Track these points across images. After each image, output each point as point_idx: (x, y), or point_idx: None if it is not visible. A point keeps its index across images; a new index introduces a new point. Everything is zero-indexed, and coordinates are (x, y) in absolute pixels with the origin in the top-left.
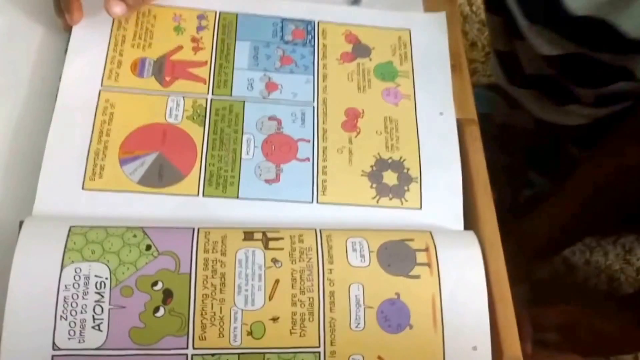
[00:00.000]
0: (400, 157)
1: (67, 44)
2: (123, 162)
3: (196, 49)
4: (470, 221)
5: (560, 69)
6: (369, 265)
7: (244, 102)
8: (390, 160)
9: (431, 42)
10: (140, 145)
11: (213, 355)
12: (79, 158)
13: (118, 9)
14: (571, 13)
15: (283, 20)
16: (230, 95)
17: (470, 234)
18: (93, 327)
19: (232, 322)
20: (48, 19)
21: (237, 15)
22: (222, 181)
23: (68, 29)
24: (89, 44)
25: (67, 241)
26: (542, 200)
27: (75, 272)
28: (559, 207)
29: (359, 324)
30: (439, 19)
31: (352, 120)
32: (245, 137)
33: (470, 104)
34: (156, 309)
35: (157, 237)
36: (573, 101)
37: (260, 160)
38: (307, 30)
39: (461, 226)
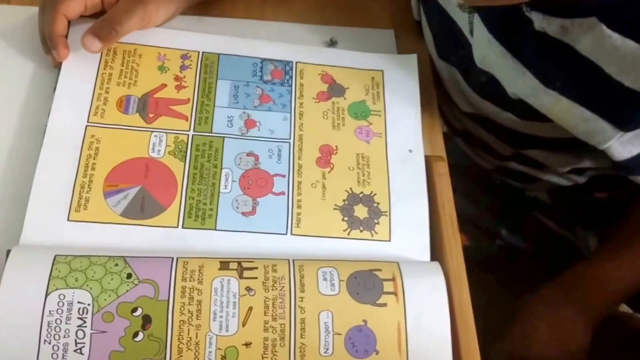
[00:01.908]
0: (371, 192)
1: (56, 81)
2: (107, 194)
3: (179, 87)
4: (437, 253)
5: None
6: (338, 293)
7: (223, 138)
8: (361, 195)
9: (403, 82)
10: (124, 178)
11: None
12: (65, 190)
13: (95, 46)
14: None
15: (263, 60)
16: (211, 131)
17: (435, 265)
18: (75, 351)
19: (207, 347)
20: (38, 56)
21: (219, 56)
22: (200, 213)
23: (57, 66)
24: (77, 81)
25: (52, 269)
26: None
27: (59, 298)
28: None
29: (327, 349)
30: (411, 60)
31: (326, 156)
32: (224, 172)
33: (439, 141)
34: (135, 334)
35: (138, 266)
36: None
37: (238, 194)
38: (286, 70)
39: (427, 257)
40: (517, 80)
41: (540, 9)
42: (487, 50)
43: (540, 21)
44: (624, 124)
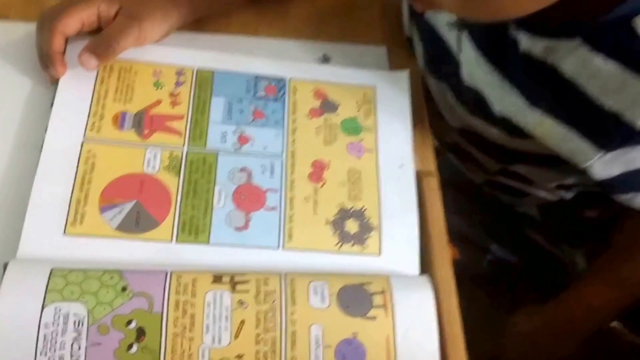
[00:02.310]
0: (362, 207)
1: (53, 97)
2: (103, 209)
3: (174, 104)
4: (427, 266)
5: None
6: (328, 307)
7: (217, 154)
8: (352, 210)
9: (394, 98)
10: (119, 194)
11: None
12: (61, 205)
13: (92, 63)
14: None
15: (256, 77)
16: (205, 147)
17: (424, 279)
18: None
19: (200, 359)
20: (35, 72)
21: (213, 72)
22: (194, 228)
23: (54, 82)
24: (74, 97)
25: (48, 282)
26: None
27: (55, 311)
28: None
29: None
30: (402, 76)
31: (318, 171)
32: (217, 187)
33: (429, 156)
34: (130, 346)
35: (133, 279)
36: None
37: (231, 209)
38: (279, 87)
39: (417, 271)
40: (503, 99)
41: (526, 28)
42: (474, 68)
43: (525, 41)
44: (603, 144)
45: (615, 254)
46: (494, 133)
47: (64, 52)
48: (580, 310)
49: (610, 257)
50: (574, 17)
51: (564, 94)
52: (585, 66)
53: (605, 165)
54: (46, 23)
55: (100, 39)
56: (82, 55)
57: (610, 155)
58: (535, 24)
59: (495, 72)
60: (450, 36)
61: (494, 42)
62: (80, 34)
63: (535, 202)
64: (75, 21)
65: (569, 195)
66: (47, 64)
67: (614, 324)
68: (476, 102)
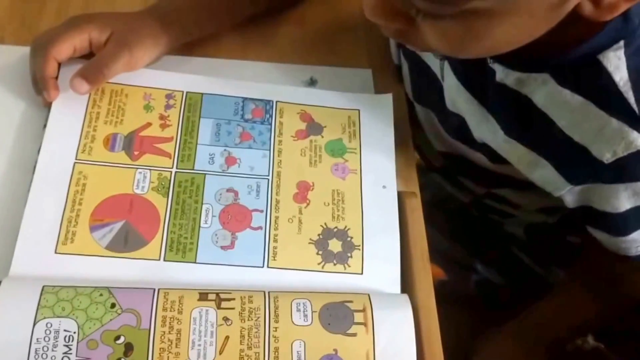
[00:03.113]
0: (345, 227)
1: (47, 119)
2: (93, 228)
3: (164, 126)
4: (407, 285)
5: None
6: (311, 324)
7: (205, 175)
8: (335, 230)
9: (378, 121)
10: (109, 213)
11: None
12: (53, 224)
13: (83, 87)
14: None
15: (244, 99)
16: (193, 168)
17: (404, 297)
18: None
19: None
20: (29, 94)
21: (202, 95)
22: (181, 247)
23: (48, 105)
24: (67, 119)
25: (40, 299)
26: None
27: (47, 326)
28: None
29: None
30: (386, 100)
31: (303, 192)
32: (204, 207)
33: (412, 177)
34: None
35: (121, 296)
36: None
37: (217, 229)
38: (266, 109)
39: (398, 290)
40: (482, 126)
41: (499, 60)
42: (455, 95)
43: (500, 72)
44: (572, 178)
45: (576, 281)
46: (478, 157)
47: (57, 77)
48: (537, 325)
49: (568, 287)
50: (543, 53)
51: (537, 124)
52: (554, 99)
53: (574, 197)
54: (39, 48)
55: (91, 65)
56: (73, 80)
57: (578, 189)
58: (508, 56)
59: (475, 101)
60: (434, 63)
61: (472, 72)
62: (73, 59)
63: (522, 224)
64: (67, 47)
65: (552, 219)
66: (40, 88)
67: (595, 344)
68: (459, 128)
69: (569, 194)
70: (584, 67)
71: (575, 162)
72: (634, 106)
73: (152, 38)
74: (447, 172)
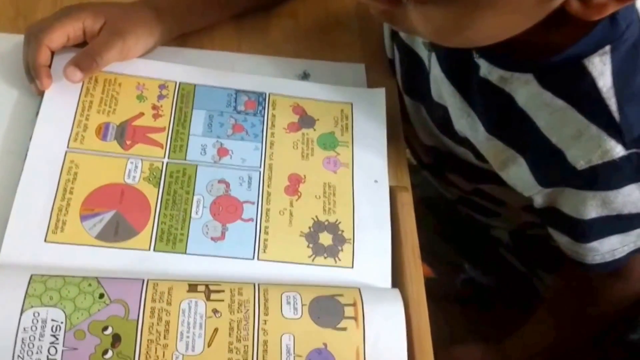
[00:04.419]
0: (336, 220)
1: (39, 107)
2: (83, 218)
3: (156, 116)
4: (398, 280)
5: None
6: (300, 317)
7: (196, 165)
8: (326, 223)
9: (370, 115)
10: (100, 203)
11: None
12: (43, 213)
13: (76, 76)
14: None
15: (237, 91)
16: (185, 159)
17: (395, 292)
18: None
19: None
20: (21, 82)
21: (195, 86)
22: (172, 238)
23: (40, 93)
24: (59, 108)
25: (28, 288)
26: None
27: (34, 316)
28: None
29: None
30: (379, 94)
31: (294, 185)
32: (195, 198)
33: (404, 172)
34: (105, 352)
35: (110, 287)
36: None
37: (208, 220)
38: (259, 102)
39: (388, 284)
40: (462, 119)
41: (485, 56)
42: (440, 87)
43: (485, 68)
44: (543, 180)
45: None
46: (463, 152)
47: (50, 65)
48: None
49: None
50: (529, 54)
51: (517, 123)
52: (535, 100)
53: (544, 199)
54: (33, 37)
55: (85, 53)
56: (67, 69)
57: (548, 191)
58: (493, 53)
59: (458, 94)
60: (424, 54)
61: (458, 65)
62: (66, 48)
63: (507, 227)
64: (60, 35)
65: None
66: (33, 77)
67: None
68: (444, 120)
69: (539, 196)
70: (568, 71)
71: (549, 164)
72: (615, 114)
73: (146, 28)
74: (435, 168)
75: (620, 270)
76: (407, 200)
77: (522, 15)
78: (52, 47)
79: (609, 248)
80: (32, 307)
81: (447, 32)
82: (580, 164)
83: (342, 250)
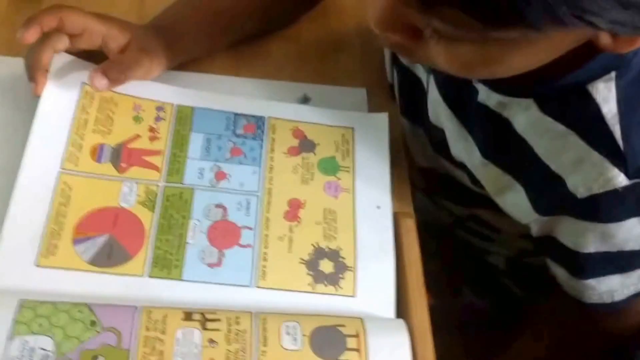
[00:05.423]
0: (337, 247)
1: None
2: (76, 242)
3: (152, 138)
4: (403, 309)
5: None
6: (301, 348)
7: (193, 189)
8: (327, 250)
9: (373, 140)
10: (93, 227)
11: None
12: (35, 236)
13: (102, 83)
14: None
15: (236, 114)
16: (182, 182)
17: (400, 322)
18: None
19: None
20: (15, 101)
21: (193, 109)
22: (167, 263)
23: (38, 95)
24: (53, 126)
25: (16, 314)
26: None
27: (22, 344)
28: None
29: None
30: (381, 118)
31: (294, 210)
32: (192, 223)
33: (407, 198)
34: None
35: (102, 314)
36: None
37: (205, 245)
38: (258, 125)
39: (393, 314)
40: (459, 143)
41: (485, 82)
42: (438, 109)
43: (483, 93)
44: (541, 207)
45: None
46: (460, 175)
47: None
48: None
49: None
50: (530, 79)
51: (514, 149)
52: (535, 126)
53: (540, 227)
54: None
55: (114, 64)
56: (95, 74)
57: (545, 219)
58: (493, 79)
59: (455, 118)
60: (423, 76)
61: (455, 89)
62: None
63: (504, 254)
64: (80, 19)
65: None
66: (31, 75)
67: None
68: (442, 142)
69: (536, 223)
70: (571, 96)
71: (548, 191)
72: (619, 142)
73: (163, 51)
74: (428, 192)
75: (619, 309)
76: (411, 226)
77: (554, 50)
78: (59, 45)
79: (608, 288)
80: (20, 334)
81: (474, 66)
82: (581, 192)
83: (343, 278)
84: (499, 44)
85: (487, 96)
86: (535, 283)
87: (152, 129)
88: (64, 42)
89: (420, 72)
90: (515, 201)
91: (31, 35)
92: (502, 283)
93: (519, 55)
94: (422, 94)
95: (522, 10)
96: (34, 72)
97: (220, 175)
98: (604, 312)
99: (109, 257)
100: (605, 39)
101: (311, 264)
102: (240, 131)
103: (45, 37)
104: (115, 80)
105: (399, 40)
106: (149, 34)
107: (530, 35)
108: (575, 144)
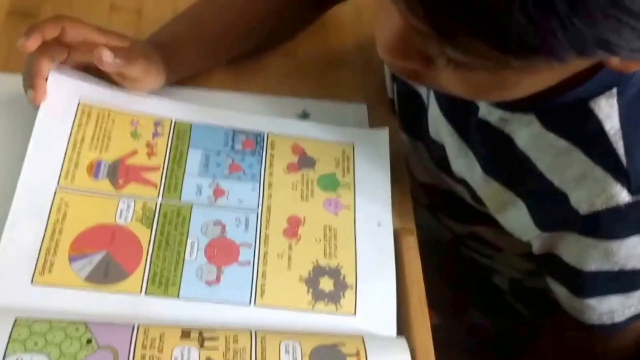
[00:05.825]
0: (338, 265)
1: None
2: (72, 259)
3: (150, 154)
4: (404, 328)
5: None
6: None
7: (191, 206)
8: (327, 267)
9: (373, 156)
10: (90, 244)
11: None
12: (31, 253)
13: (109, 57)
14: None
15: (235, 130)
16: (179, 199)
17: (401, 340)
18: None
19: None
20: (13, 118)
21: (191, 125)
22: (164, 281)
23: (36, 105)
24: (50, 143)
25: (11, 332)
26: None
27: None
28: None
29: None
30: (382, 134)
31: (293, 227)
32: (189, 240)
33: (409, 214)
34: None
35: (98, 332)
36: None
37: (203, 263)
38: (257, 141)
39: (394, 332)
40: (460, 159)
41: None
42: (438, 125)
43: (484, 109)
44: (543, 224)
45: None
46: (460, 190)
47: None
48: None
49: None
50: (533, 95)
51: (516, 165)
52: (537, 141)
53: (541, 244)
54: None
55: (122, 49)
56: (103, 49)
57: (546, 235)
58: None
59: (456, 134)
60: (423, 92)
61: (456, 105)
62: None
63: (507, 274)
64: (82, 29)
65: (533, 265)
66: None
67: None
68: (442, 158)
69: (537, 240)
70: (573, 112)
71: (551, 207)
72: (622, 158)
73: (162, 63)
74: (431, 209)
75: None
76: (412, 244)
77: (569, 71)
78: (56, 54)
79: (608, 309)
80: (15, 352)
81: (488, 91)
82: (583, 208)
83: (343, 296)
84: (515, 70)
85: (488, 112)
86: (540, 305)
87: (149, 145)
88: (63, 52)
89: (421, 87)
90: (516, 218)
91: (32, 43)
92: (507, 303)
93: (531, 79)
94: (423, 109)
95: (550, 45)
96: (34, 80)
97: (218, 192)
98: (604, 335)
99: (106, 275)
100: (615, 60)
101: (311, 282)
102: (239, 147)
103: (45, 46)
104: (123, 58)
105: (407, 65)
106: (149, 46)
107: (551, 63)
108: (579, 160)
